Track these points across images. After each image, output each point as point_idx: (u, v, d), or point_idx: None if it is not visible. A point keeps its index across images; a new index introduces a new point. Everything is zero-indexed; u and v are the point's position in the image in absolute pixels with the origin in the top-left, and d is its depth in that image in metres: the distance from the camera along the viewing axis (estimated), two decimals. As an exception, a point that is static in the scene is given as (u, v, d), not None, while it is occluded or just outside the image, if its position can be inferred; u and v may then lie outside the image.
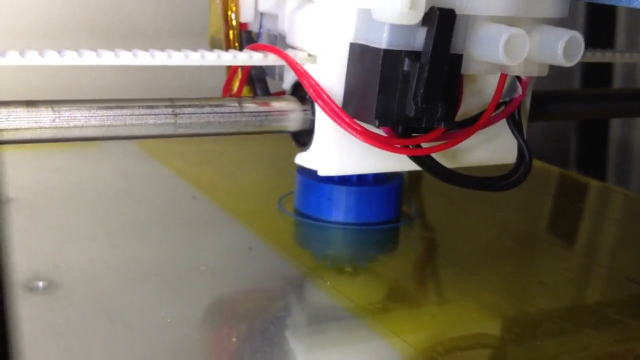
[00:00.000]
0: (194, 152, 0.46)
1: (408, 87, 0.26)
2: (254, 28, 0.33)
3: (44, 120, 0.25)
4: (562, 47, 0.27)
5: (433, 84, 0.26)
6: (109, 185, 0.40)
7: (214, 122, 0.28)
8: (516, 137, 0.30)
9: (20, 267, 0.28)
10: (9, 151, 0.42)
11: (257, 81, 0.33)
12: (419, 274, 0.33)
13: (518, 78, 0.30)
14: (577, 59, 0.27)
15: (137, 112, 0.27)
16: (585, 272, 0.33)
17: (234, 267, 0.31)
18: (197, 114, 0.28)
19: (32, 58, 0.26)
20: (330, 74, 0.28)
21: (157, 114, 0.27)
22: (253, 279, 0.30)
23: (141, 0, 0.52)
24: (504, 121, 0.31)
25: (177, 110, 0.27)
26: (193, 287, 0.28)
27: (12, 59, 0.25)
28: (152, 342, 0.25)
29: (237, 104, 0.28)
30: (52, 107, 0.26)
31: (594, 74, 0.61)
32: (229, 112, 0.28)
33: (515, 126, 0.30)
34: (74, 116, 0.26)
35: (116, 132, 0.27)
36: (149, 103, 0.27)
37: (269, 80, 0.33)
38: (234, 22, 0.33)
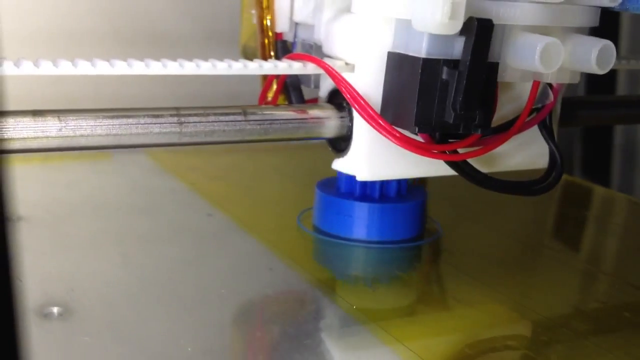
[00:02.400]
0: (208, 166, 0.45)
1: (446, 94, 0.27)
2: (288, 38, 0.34)
3: (50, 129, 0.26)
4: (596, 56, 0.28)
5: (471, 92, 0.26)
6: (121, 200, 0.39)
7: (219, 131, 0.28)
8: (548, 143, 0.31)
9: (34, 292, 0.27)
10: (19, 165, 0.42)
11: (292, 89, 0.34)
12: (437, 289, 0.32)
13: (549, 85, 0.31)
14: (610, 66, 0.28)
15: (142, 121, 0.27)
16: (591, 280, 0.34)
17: (253, 288, 0.30)
18: (202, 122, 0.28)
19: (47, 68, 0.26)
20: (368, 82, 0.29)
21: (162, 123, 0.27)
22: (273, 299, 0.29)
23: (167, 7, 0.53)
24: (535, 127, 0.31)
25: (182, 119, 0.27)
26: (212, 309, 0.28)
27: (27, 68, 0.26)
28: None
29: (241, 112, 0.28)
30: (58, 117, 0.26)
31: (598, 80, 0.61)
32: (235, 121, 0.28)
33: (547, 132, 0.31)
34: (80, 125, 0.26)
35: (122, 141, 0.27)
36: (154, 112, 0.27)
37: (303, 88, 0.34)
38: (269, 32, 0.34)
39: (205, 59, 0.28)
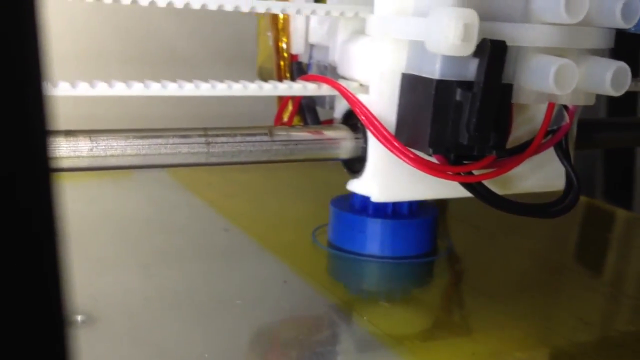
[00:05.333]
0: (225, 183, 0.46)
1: (460, 116, 0.27)
2: (304, 59, 0.34)
3: (82, 149, 0.26)
4: (610, 77, 0.27)
5: (485, 113, 0.26)
6: (141, 215, 0.40)
7: (246, 151, 0.29)
8: (564, 165, 0.31)
9: None
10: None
11: (307, 110, 0.34)
12: (453, 307, 0.32)
13: (565, 107, 0.31)
14: (625, 88, 0.28)
15: (171, 141, 0.27)
16: (614, 303, 0.33)
17: (269, 300, 0.30)
18: (229, 142, 0.28)
19: (83, 89, 0.27)
20: (382, 103, 0.29)
21: (191, 143, 0.28)
22: (288, 313, 0.30)
23: (180, 28, 0.54)
24: (551, 149, 0.31)
25: (210, 140, 0.28)
26: (229, 320, 0.28)
27: (63, 89, 0.26)
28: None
29: (267, 133, 0.29)
30: (89, 137, 0.26)
31: (619, 102, 0.61)
32: (260, 142, 0.29)
33: (563, 154, 0.31)
34: (111, 145, 0.27)
35: (151, 161, 0.28)
36: (182, 132, 0.28)
37: (318, 109, 0.34)
38: (285, 54, 0.34)
39: (222, 80, 0.29)
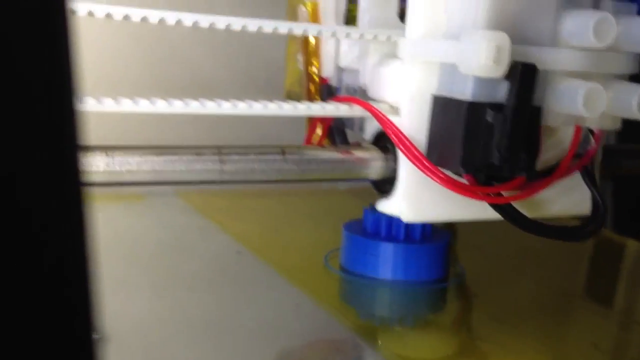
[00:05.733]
0: (237, 208, 0.47)
1: (492, 137, 0.27)
2: (333, 82, 0.35)
3: (98, 164, 0.27)
4: (637, 101, 0.28)
5: (516, 135, 0.27)
6: (155, 238, 0.40)
7: (259, 170, 0.29)
8: (590, 189, 0.31)
9: None
10: None
11: (337, 133, 0.34)
12: (467, 332, 0.32)
13: (590, 131, 0.31)
14: (652, 112, 0.28)
15: (185, 158, 0.28)
16: (627, 331, 0.33)
17: (281, 324, 0.30)
18: (243, 160, 0.29)
19: (109, 105, 0.27)
20: (413, 125, 0.30)
21: (205, 161, 0.28)
22: (301, 337, 0.29)
23: (212, 57, 0.55)
24: (577, 174, 0.32)
25: (224, 157, 0.28)
26: (242, 343, 0.28)
27: (90, 104, 0.27)
28: None
29: (280, 152, 0.29)
30: (106, 152, 0.27)
31: (629, 129, 0.61)
32: (274, 160, 0.29)
33: (589, 178, 0.32)
34: (127, 161, 0.27)
35: (165, 177, 0.28)
36: (197, 150, 0.28)
37: (348, 132, 0.35)
38: (315, 77, 0.35)
39: (244, 100, 0.29)
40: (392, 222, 0.34)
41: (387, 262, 0.34)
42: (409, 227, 0.34)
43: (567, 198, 0.32)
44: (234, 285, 0.34)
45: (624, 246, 0.47)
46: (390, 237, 0.34)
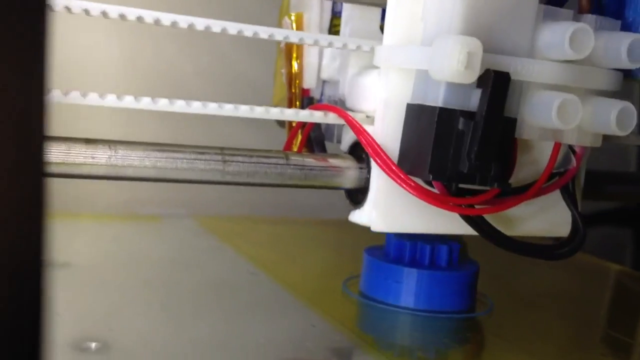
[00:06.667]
0: (253, 233, 0.47)
1: (462, 144, 0.27)
2: (315, 94, 0.35)
3: (100, 156, 0.27)
4: (615, 116, 0.27)
5: (486, 143, 0.26)
6: (165, 256, 0.40)
7: (261, 173, 0.29)
8: (570, 209, 0.31)
9: (73, 329, 0.28)
10: (69, 220, 0.44)
11: (316, 143, 0.34)
12: None
13: (572, 150, 0.30)
14: (631, 128, 0.28)
15: (188, 156, 0.28)
16: None
17: (293, 341, 0.30)
18: (246, 162, 0.29)
19: (93, 99, 0.27)
20: (387, 134, 0.29)
21: (207, 160, 0.28)
22: (313, 354, 0.29)
23: (195, 68, 0.55)
24: (558, 195, 0.31)
25: (227, 158, 0.28)
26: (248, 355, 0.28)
27: (74, 97, 0.27)
28: None
29: (284, 157, 0.29)
30: (109, 146, 0.27)
31: None
32: (277, 164, 0.29)
33: (570, 198, 0.31)
34: (129, 156, 0.27)
35: (167, 175, 0.28)
36: (200, 149, 0.28)
37: (327, 144, 0.34)
38: (296, 89, 0.35)
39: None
40: (417, 247, 0.33)
41: (410, 289, 0.33)
42: (434, 254, 0.33)
43: (546, 218, 0.31)
44: (243, 300, 0.34)
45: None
46: (414, 263, 0.33)
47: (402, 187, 0.28)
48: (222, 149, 0.29)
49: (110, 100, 0.27)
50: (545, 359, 0.30)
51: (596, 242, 0.61)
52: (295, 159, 0.29)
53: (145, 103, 0.28)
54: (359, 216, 0.30)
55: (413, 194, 0.28)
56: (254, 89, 0.51)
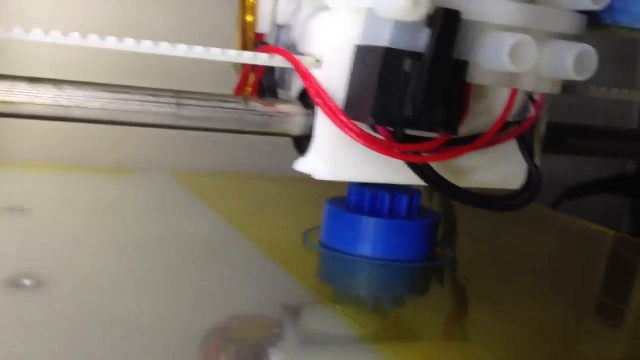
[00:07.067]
0: (227, 188, 0.46)
1: (408, 87, 0.25)
2: (270, 39, 0.33)
3: (44, 96, 0.26)
4: (573, 60, 0.26)
5: (433, 86, 0.25)
6: (127, 205, 0.40)
7: (217, 118, 0.28)
8: (526, 159, 0.29)
9: (10, 267, 0.28)
10: (40, 170, 0.44)
11: (268, 91, 0.33)
12: (442, 312, 0.30)
13: (531, 99, 0.29)
14: (590, 73, 0.26)
15: (140, 98, 0.27)
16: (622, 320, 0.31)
17: (245, 286, 0.29)
18: (201, 106, 0.27)
19: (38, 35, 0.26)
20: (335, 78, 0.28)
21: (161, 102, 0.27)
22: (267, 301, 0.28)
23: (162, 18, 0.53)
24: (515, 146, 0.30)
25: (181, 101, 0.27)
26: (197, 300, 0.27)
27: (16, 33, 0.26)
28: (149, 342, 0.23)
29: (242, 101, 0.28)
30: (54, 85, 0.26)
31: None
32: (232, 108, 0.28)
33: (526, 149, 0.29)
34: (76, 95, 0.26)
35: (117, 117, 0.27)
36: (153, 92, 0.27)
37: (280, 92, 0.33)
38: (250, 33, 0.33)
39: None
40: (377, 197, 0.32)
41: (367, 238, 0.32)
42: (394, 203, 0.32)
43: (500, 169, 0.30)
44: (199, 245, 0.33)
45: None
46: (374, 213, 0.32)
47: (345, 132, 0.27)
48: (177, 92, 0.27)
49: (55, 36, 0.26)
50: (505, 308, 0.29)
51: (594, 210, 0.60)
52: (254, 105, 0.28)
53: (93, 40, 0.26)
54: (302, 164, 0.29)
55: (356, 140, 0.27)
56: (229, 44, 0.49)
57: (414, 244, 0.32)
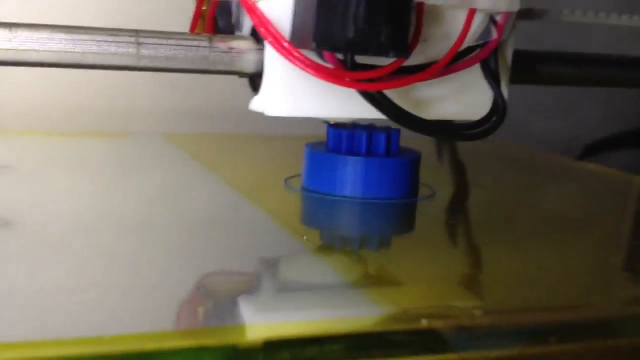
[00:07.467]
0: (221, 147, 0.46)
1: (349, 6, 0.24)
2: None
3: None
4: (528, -28, 0.24)
5: (375, 3, 0.23)
6: (113, 160, 0.40)
7: (179, 57, 0.27)
8: (490, 86, 0.28)
9: None
10: (28, 136, 0.44)
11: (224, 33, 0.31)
12: (422, 249, 0.28)
13: (493, 21, 0.27)
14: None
15: (98, 38, 0.26)
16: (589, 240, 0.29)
17: (219, 225, 0.28)
18: (162, 45, 0.26)
19: None
20: (281, 8, 0.26)
21: (119, 42, 0.26)
22: (242, 240, 0.27)
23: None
24: (480, 75, 0.28)
25: (141, 40, 0.26)
26: (165, 239, 0.26)
27: None
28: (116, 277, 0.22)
29: (206, 40, 0.27)
30: (9, 28, 0.25)
31: None
32: (194, 46, 0.27)
33: (491, 75, 0.28)
34: (32, 38, 0.25)
35: (75, 59, 0.26)
36: (111, 32, 0.26)
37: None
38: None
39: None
40: (354, 136, 0.31)
41: (345, 177, 0.31)
42: (372, 141, 0.31)
43: (466, 100, 0.28)
44: (176, 188, 0.33)
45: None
46: (352, 152, 0.31)
47: (292, 62, 0.25)
48: (136, 31, 0.26)
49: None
50: (478, 245, 0.28)
51: (619, 164, 0.58)
52: (218, 43, 0.27)
53: None
54: (255, 103, 0.27)
55: (305, 70, 0.25)
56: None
57: (393, 181, 0.31)
